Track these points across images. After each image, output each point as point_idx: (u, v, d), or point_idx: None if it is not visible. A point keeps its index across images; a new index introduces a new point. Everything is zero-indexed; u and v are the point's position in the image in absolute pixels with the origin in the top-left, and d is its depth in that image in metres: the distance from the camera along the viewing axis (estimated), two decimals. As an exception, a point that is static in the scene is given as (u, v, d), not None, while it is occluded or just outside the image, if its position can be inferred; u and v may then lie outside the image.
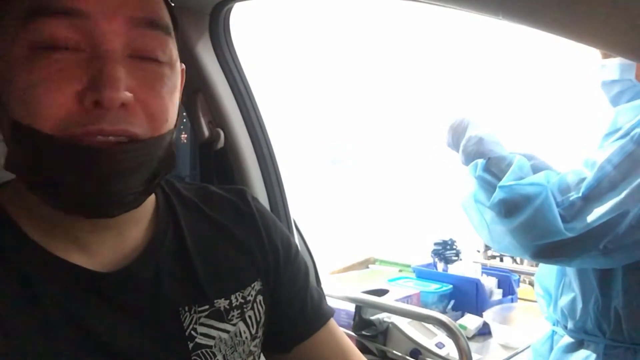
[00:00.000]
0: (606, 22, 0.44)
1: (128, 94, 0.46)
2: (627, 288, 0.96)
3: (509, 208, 0.98)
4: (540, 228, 0.93)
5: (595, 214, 0.89)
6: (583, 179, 0.93)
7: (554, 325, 1.12)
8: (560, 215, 0.92)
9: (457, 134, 1.13)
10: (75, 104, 0.45)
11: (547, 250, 0.94)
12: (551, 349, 1.11)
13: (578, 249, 0.92)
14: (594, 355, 1.01)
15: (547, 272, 1.12)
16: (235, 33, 1.10)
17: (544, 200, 0.93)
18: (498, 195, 0.99)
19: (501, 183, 0.99)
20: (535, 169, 1.01)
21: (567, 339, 1.07)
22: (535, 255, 0.98)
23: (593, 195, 0.91)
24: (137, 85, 0.47)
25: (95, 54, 0.46)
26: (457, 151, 1.14)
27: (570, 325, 1.06)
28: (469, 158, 1.09)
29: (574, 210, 0.92)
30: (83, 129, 0.45)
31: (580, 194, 0.92)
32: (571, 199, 0.93)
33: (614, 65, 0.99)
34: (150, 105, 0.48)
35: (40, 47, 0.45)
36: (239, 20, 1.09)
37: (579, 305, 1.03)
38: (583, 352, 1.03)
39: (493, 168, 1.03)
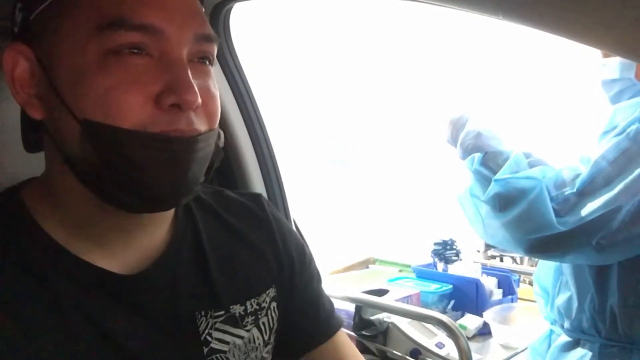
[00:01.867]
0: (606, 22, 0.44)
1: (200, 98, 0.50)
2: (623, 287, 0.96)
3: (503, 202, 0.98)
4: (533, 222, 0.94)
5: (588, 209, 0.90)
6: (578, 175, 0.94)
7: (552, 324, 1.12)
8: (554, 210, 0.93)
9: (456, 129, 1.14)
10: (152, 105, 0.49)
11: (540, 244, 0.95)
12: (549, 348, 1.11)
13: (571, 244, 0.93)
14: (589, 354, 1.01)
15: (545, 271, 1.12)
16: (235, 33, 1.10)
17: (538, 194, 0.94)
18: (493, 188, 0.99)
19: (497, 176, 0.99)
20: (532, 167, 1.01)
21: (564, 338, 1.07)
22: (529, 250, 0.98)
23: (587, 191, 0.91)
24: (198, 87, 0.51)
25: (165, 60, 0.50)
26: (455, 146, 1.14)
27: (566, 324, 1.07)
28: (466, 152, 1.09)
29: (568, 205, 0.92)
30: (161, 128, 0.49)
31: (574, 190, 0.93)
32: (565, 194, 0.93)
33: (614, 64, 0.99)
34: (209, 105, 0.53)
35: (113, 53, 0.48)
36: (239, 20, 1.09)
37: (575, 304, 1.03)
38: (579, 351, 1.03)
39: (490, 162, 1.03)
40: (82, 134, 0.48)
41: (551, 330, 1.13)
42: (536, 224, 0.94)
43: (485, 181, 1.02)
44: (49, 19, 0.50)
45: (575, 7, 0.43)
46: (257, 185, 1.10)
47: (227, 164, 1.09)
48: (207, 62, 0.55)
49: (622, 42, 0.46)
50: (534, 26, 0.47)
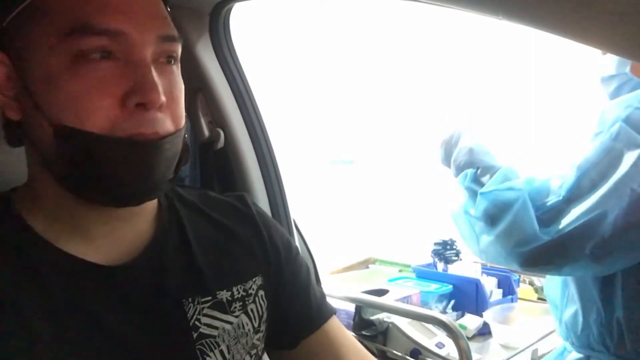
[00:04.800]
0: (605, 22, 0.44)
1: (164, 97, 0.52)
2: (628, 299, 0.91)
3: (492, 216, 0.95)
4: (519, 233, 0.90)
5: (571, 216, 0.85)
6: (564, 182, 0.90)
7: (565, 340, 1.07)
8: (541, 220, 0.89)
9: (449, 148, 1.12)
10: (119, 107, 0.51)
11: (531, 257, 0.90)
12: None
13: (563, 256, 0.88)
14: None
15: (553, 285, 1.07)
16: (235, 33, 1.10)
17: (521, 205, 0.90)
18: (481, 203, 0.96)
19: (482, 190, 0.97)
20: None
21: (575, 355, 1.02)
22: (522, 264, 0.93)
23: (574, 197, 0.87)
24: (163, 87, 0.53)
25: (130, 62, 0.52)
26: (449, 166, 1.12)
27: (575, 340, 1.02)
28: (459, 169, 1.07)
29: (554, 214, 0.88)
30: (127, 132, 0.51)
31: (560, 197, 0.88)
32: (552, 202, 0.89)
33: (611, 60, 0.98)
34: (172, 106, 0.55)
35: (81, 57, 0.50)
36: (239, 20, 1.10)
37: (580, 319, 0.98)
38: None
39: (482, 178, 1.02)
40: (55, 138, 0.51)
41: (565, 347, 1.07)
42: (522, 236, 0.90)
43: (477, 197, 0.99)
44: (21, 26, 0.53)
45: (574, 7, 0.43)
46: (257, 185, 1.10)
47: (227, 164, 1.09)
48: (172, 62, 0.57)
49: (621, 41, 0.46)
50: (534, 26, 0.47)
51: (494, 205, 0.95)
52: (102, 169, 0.52)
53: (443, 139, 1.14)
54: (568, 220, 0.86)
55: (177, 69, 0.58)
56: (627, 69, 0.94)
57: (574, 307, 1.01)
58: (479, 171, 1.03)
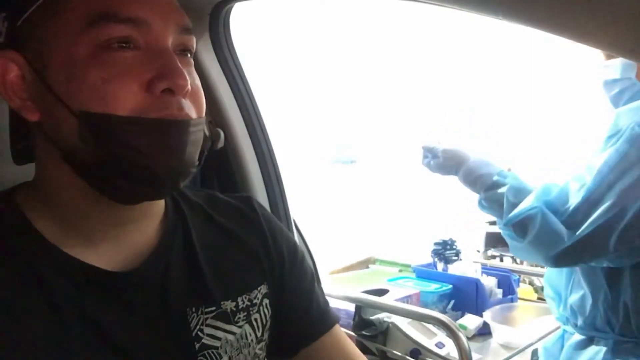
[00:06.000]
0: (606, 22, 0.44)
1: (189, 84, 0.53)
2: (635, 282, 0.99)
3: (517, 232, 1.06)
4: (548, 239, 1.00)
5: (595, 215, 0.94)
6: (584, 185, 0.98)
7: (564, 324, 1.15)
8: (565, 222, 0.98)
9: (449, 166, 1.20)
10: (145, 93, 0.51)
11: (564, 257, 1.00)
12: (562, 348, 1.13)
13: (589, 252, 0.98)
14: (603, 350, 1.04)
15: (556, 273, 1.16)
16: (235, 33, 1.10)
17: (541, 217, 1.01)
18: (505, 233, 1.08)
19: (500, 224, 1.08)
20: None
21: (578, 337, 1.10)
22: (555, 263, 1.04)
23: (593, 198, 0.95)
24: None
25: (152, 50, 0.52)
26: (454, 174, 1.21)
27: (580, 322, 1.09)
28: (472, 187, 1.16)
29: (577, 215, 0.97)
30: (154, 114, 0.51)
31: (581, 199, 0.97)
32: (573, 205, 0.98)
33: (617, 65, 1.02)
34: (196, 94, 0.56)
35: (105, 47, 0.50)
36: (239, 21, 1.10)
37: (589, 302, 1.06)
38: (593, 349, 1.06)
39: (489, 193, 1.12)
40: (80, 126, 0.50)
41: (564, 331, 1.15)
42: (551, 241, 1.00)
43: (496, 213, 1.10)
44: (36, 24, 0.52)
45: (575, 7, 0.43)
46: (257, 185, 1.10)
47: (227, 164, 1.09)
48: (189, 55, 0.57)
49: (622, 42, 0.46)
50: (534, 26, 0.47)
51: (515, 226, 1.06)
52: (132, 152, 0.50)
53: (439, 165, 1.22)
54: (592, 218, 0.95)
55: (192, 62, 0.58)
56: (633, 75, 0.99)
57: (580, 292, 1.09)
58: (481, 200, 1.14)
